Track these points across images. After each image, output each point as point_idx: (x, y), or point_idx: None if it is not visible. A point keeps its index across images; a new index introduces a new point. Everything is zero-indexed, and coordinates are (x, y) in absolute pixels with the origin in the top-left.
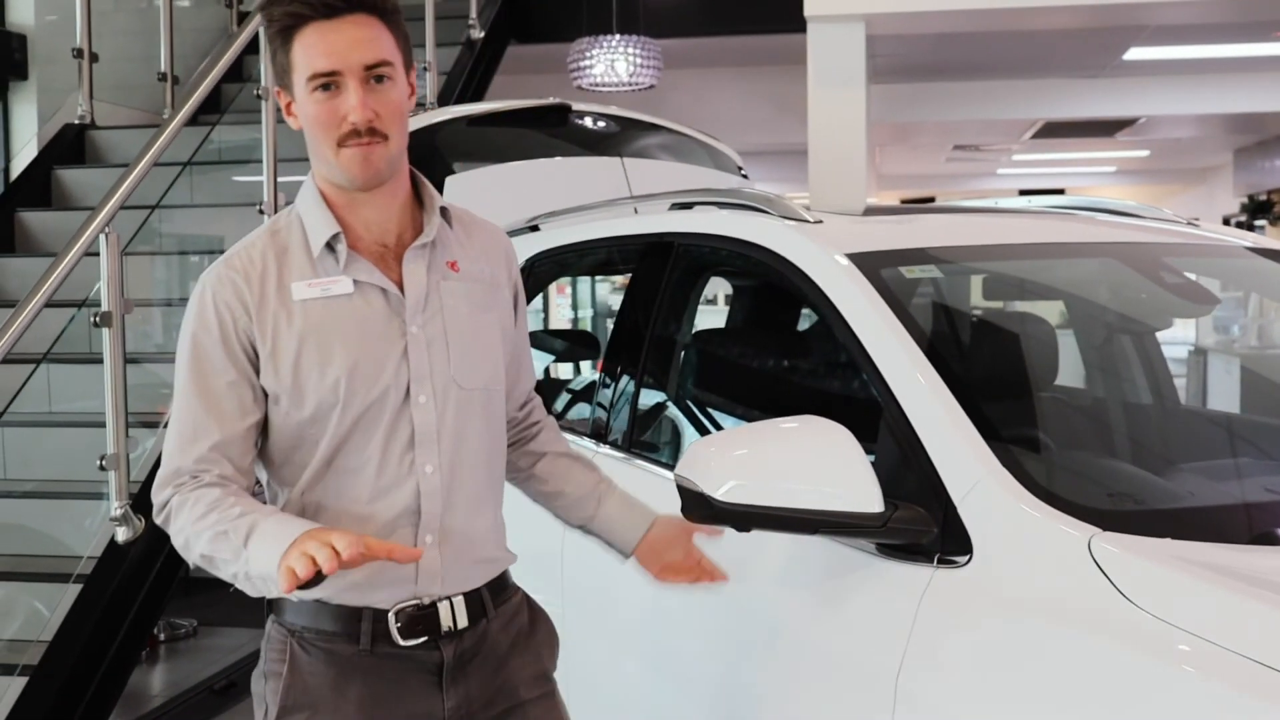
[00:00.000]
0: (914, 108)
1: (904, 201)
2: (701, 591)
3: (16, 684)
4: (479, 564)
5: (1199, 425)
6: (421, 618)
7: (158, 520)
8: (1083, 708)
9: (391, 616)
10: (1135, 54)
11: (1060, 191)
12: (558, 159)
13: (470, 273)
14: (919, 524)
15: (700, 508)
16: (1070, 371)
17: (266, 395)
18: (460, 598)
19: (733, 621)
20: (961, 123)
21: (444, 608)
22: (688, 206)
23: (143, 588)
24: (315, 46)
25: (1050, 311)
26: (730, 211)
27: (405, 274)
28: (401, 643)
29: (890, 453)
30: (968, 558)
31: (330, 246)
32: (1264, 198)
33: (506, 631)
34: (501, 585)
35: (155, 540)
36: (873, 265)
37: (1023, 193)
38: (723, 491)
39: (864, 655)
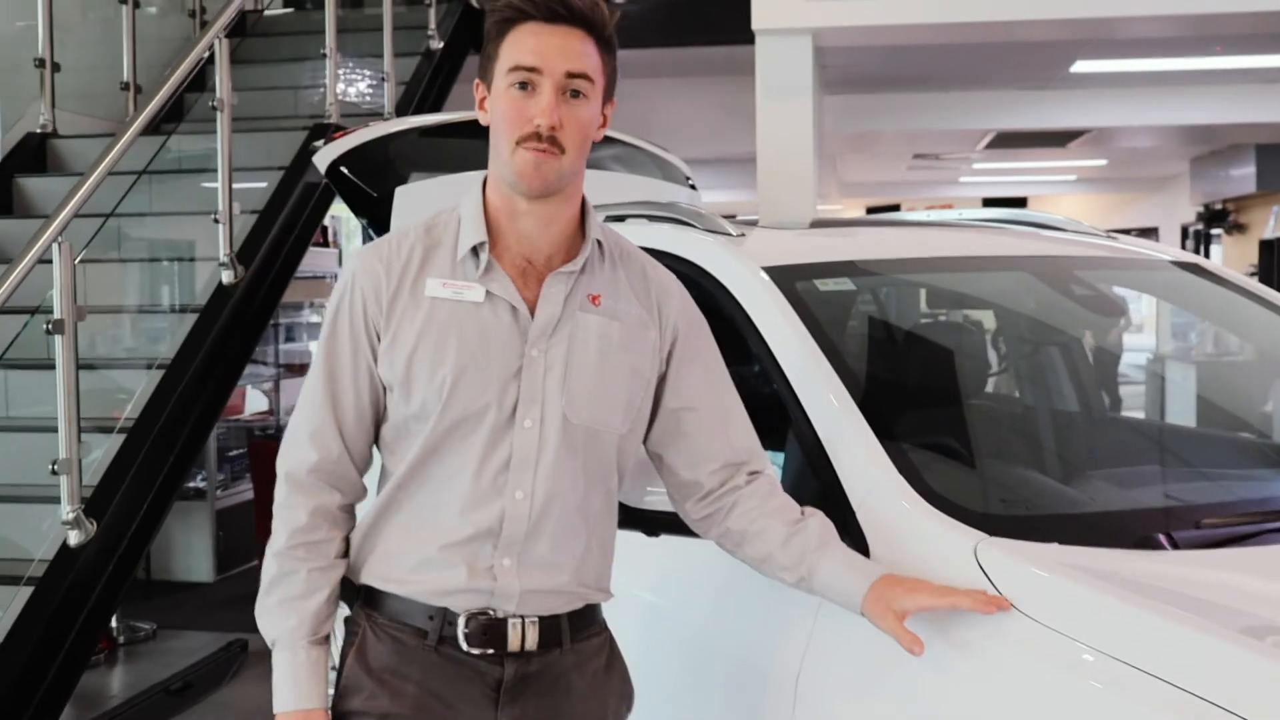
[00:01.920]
0: (869, 118)
1: (869, 210)
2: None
3: None
4: (560, 595)
5: (1114, 433)
6: (491, 629)
7: (277, 489)
8: (967, 708)
9: (461, 620)
10: (1082, 66)
11: (1023, 200)
12: None
13: (612, 310)
14: None
15: None
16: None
17: (385, 387)
18: (535, 620)
19: (642, 628)
20: (916, 133)
21: (514, 625)
22: (621, 219)
23: (94, 590)
24: (525, 42)
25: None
26: (658, 225)
27: (541, 296)
28: (466, 649)
29: (797, 458)
30: None
31: (475, 253)
32: (1219, 206)
33: (580, 670)
34: (587, 619)
35: (108, 543)
36: (788, 278)
37: (986, 201)
38: (638, 498)
39: (767, 660)
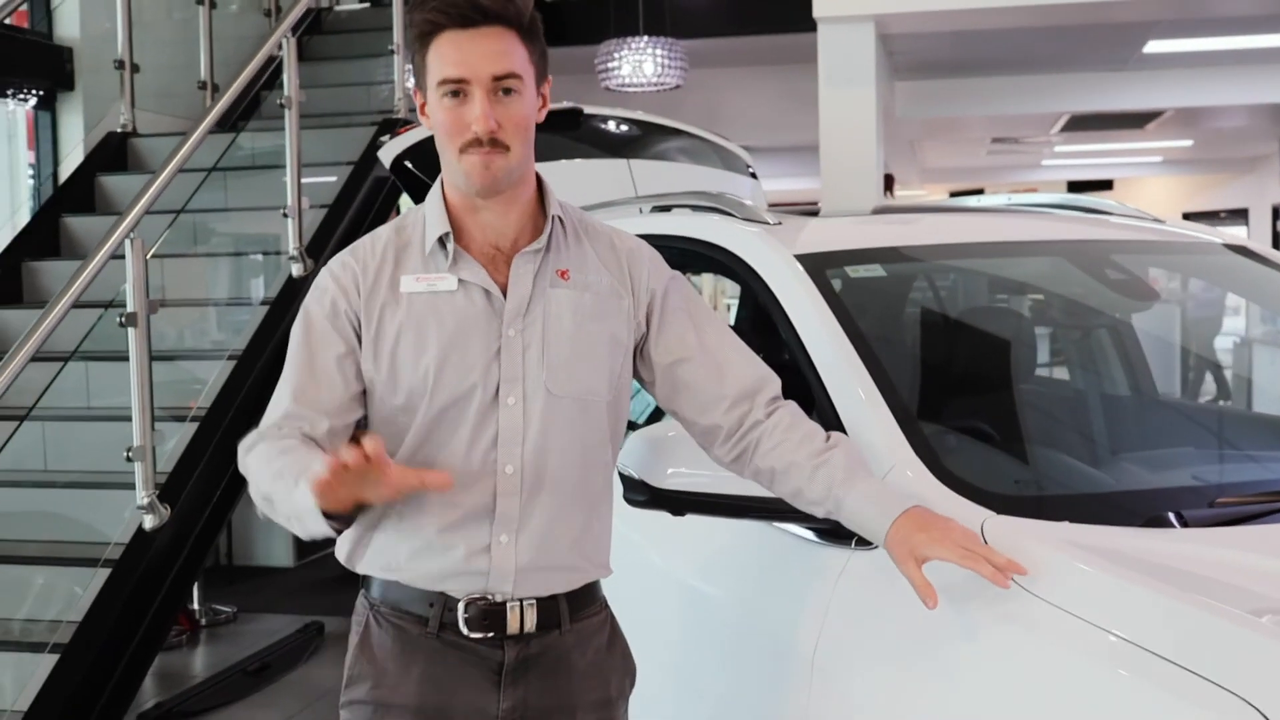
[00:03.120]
0: (941, 103)
1: (952, 195)
2: (643, 577)
3: (48, 661)
4: (558, 571)
5: (1145, 415)
6: (490, 613)
7: (240, 465)
8: (976, 681)
9: (461, 606)
10: (1155, 47)
11: (1109, 183)
12: (564, 162)
13: (581, 282)
14: None
15: (640, 493)
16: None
17: (366, 375)
18: (533, 602)
19: (660, 601)
20: (990, 117)
21: (513, 609)
22: (667, 209)
23: (170, 573)
24: (448, 54)
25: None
26: (700, 215)
27: (510, 278)
28: (467, 634)
29: None
30: None
31: (442, 244)
32: None
33: (580, 649)
34: (586, 599)
35: (182, 528)
36: (819, 265)
37: (1071, 185)
38: (660, 478)
39: (787, 634)
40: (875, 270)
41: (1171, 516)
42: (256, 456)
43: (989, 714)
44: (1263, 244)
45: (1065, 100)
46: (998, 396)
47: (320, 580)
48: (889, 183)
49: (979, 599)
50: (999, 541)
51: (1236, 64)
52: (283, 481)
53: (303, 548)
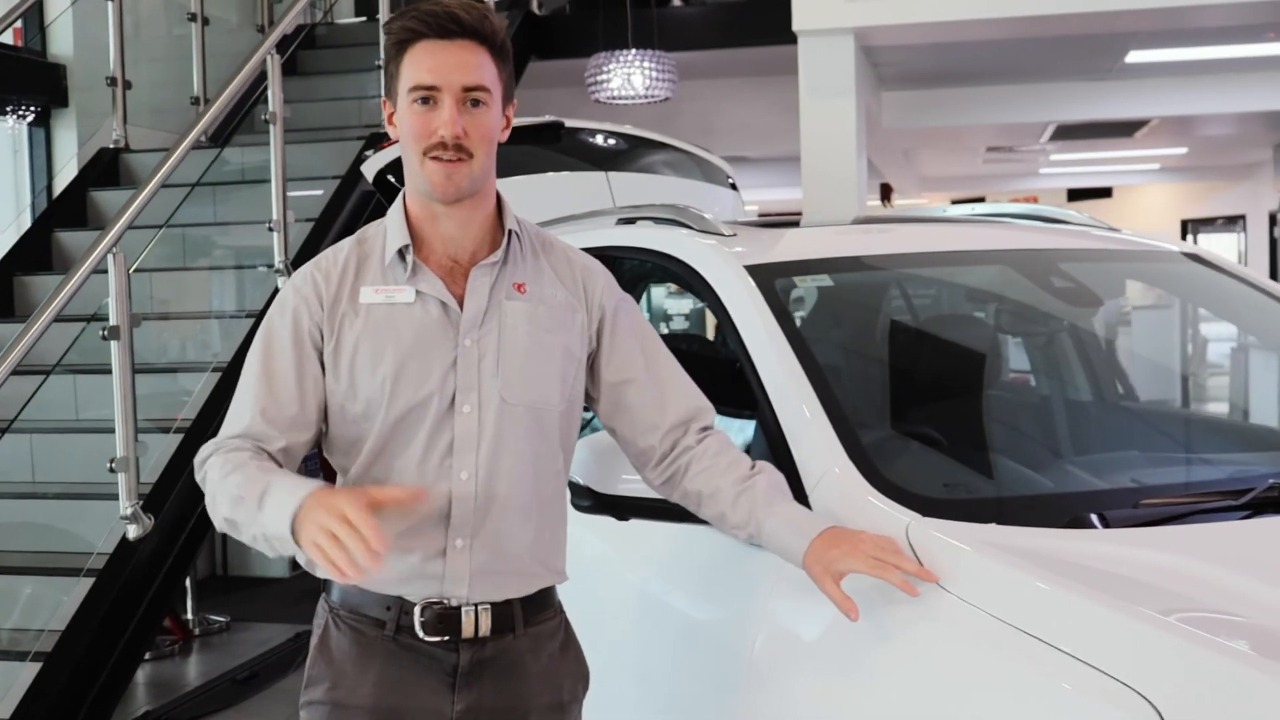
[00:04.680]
0: (927, 113)
1: (954, 202)
2: (603, 581)
3: (30, 669)
4: (512, 576)
5: (1088, 419)
6: (445, 617)
7: (197, 478)
8: (905, 682)
9: (417, 610)
10: (1136, 56)
11: (1108, 190)
12: (546, 175)
13: (537, 295)
14: None
15: (585, 498)
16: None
17: (326, 386)
18: (488, 607)
19: (629, 606)
20: (980, 126)
21: (468, 613)
22: (632, 221)
23: (153, 582)
24: (422, 61)
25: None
26: (660, 227)
27: (467, 290)
28: (422, 637)
29: (762, 444)
30: None
31: (401, 256)
32: None
33: (535, 653)
34: (541, 604)
35: (166, 537)
36: (768, 276)
37: (1071, 193)
38: (609, 484)
39: (728, 634)
40: (823, 280)
41: (1094, 517)
42: (211, 476)
43: (909, 709)
44: (1258, 249)
45: (1050, 110)
46: (940, 402)
47: (315, 590)
48: (886, 192)
49: (901, 599)
50: (922, 543)
51: (1218, 73)
52: (244, 507)
53: None
